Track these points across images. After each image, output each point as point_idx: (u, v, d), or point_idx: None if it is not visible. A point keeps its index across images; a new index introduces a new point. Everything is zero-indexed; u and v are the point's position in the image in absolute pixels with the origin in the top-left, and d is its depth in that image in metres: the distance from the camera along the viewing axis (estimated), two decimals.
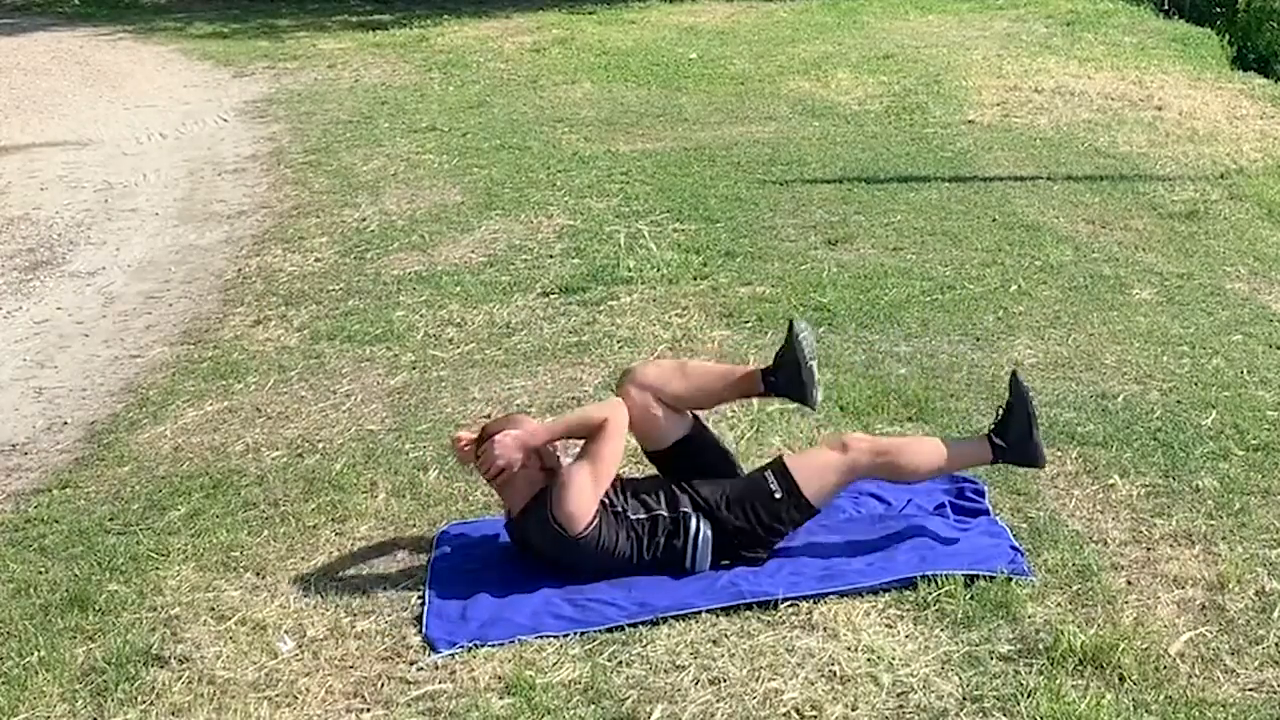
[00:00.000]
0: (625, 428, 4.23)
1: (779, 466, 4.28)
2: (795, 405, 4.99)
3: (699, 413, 4.56)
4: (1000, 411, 4.38)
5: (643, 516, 4.21)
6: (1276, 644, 3.77)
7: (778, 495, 4.22)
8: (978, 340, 5.96)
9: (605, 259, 7.23)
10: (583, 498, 4.12)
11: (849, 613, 3.98)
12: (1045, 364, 5.69)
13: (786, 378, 4.41)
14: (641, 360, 5.80)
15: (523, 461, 4.19)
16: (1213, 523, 4.40)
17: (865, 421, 5.16)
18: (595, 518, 4.14)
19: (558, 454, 4.33)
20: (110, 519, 4.83)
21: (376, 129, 11.01)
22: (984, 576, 4.06)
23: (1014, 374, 4.40)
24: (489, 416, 4.53)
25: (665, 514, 4.22)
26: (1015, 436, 4.32)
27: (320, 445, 5.31)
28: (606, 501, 4.19)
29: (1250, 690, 3.59)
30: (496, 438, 4.19)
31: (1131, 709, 3.51)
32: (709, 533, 4.20)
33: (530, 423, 4.28)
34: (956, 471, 4.58)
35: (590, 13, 16.59)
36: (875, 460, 4.27)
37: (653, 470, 4.51)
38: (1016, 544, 4.26)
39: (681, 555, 4.20)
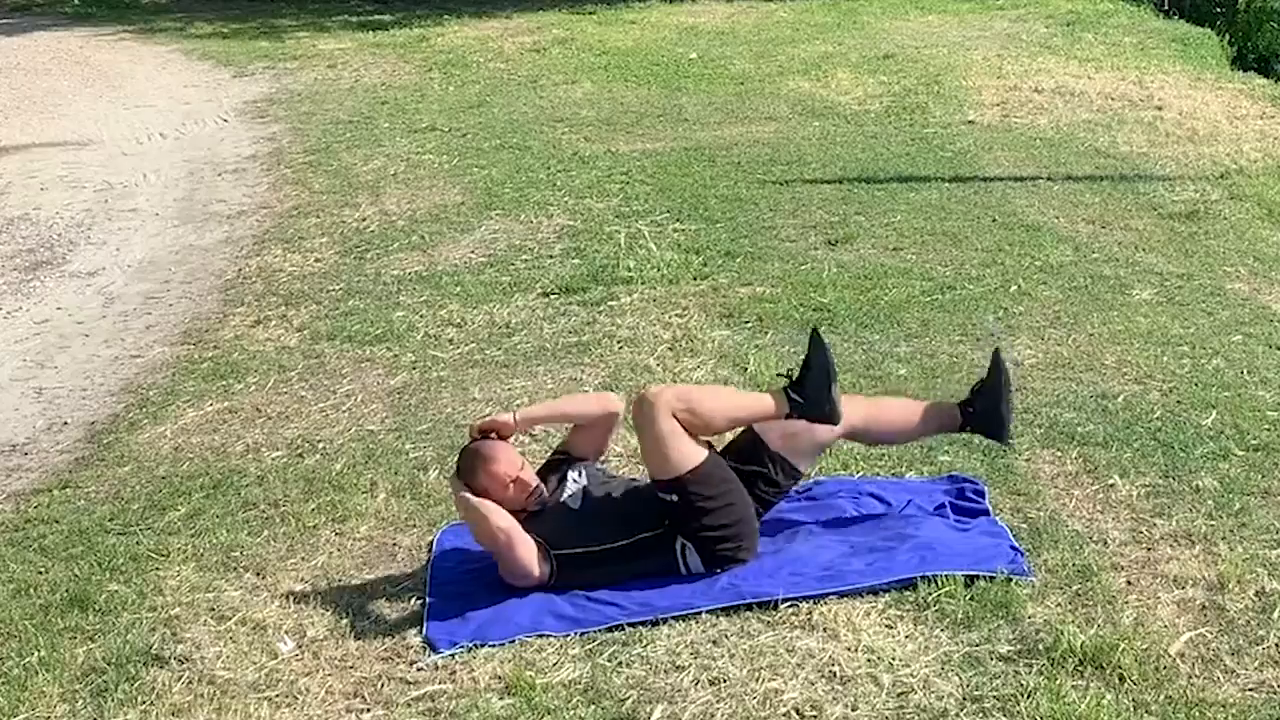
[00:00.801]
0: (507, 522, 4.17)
1: (657, 484, 4.19)
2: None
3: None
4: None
5: (625, 543, 4.20)
6: (1276, 644, 3.77)
7: (676, 499, 4.15)
8: (978, 340, 5.96)
9: (605, 259, 7.23)
10: (516, 570, 4.14)
11: (849, 613, 3.98)
12: (1045, 364, 5.69)
13: (984, 409, 4.39)
14: (631, 365, 5.81)
15: (480, 515, 4.17)
16: (1213, 523, 4.39)
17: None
18: (549, 570, 4.15)
19: (533, 487, 4.27)
20: (110, 519, 4.83)
21: (376, 129, 11.01)
22: (984, 576, 4.06)
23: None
24: (488, 415, 4.51)
25: (647, 534, 4.21)
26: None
27: (320, 445, 5.31)
28: (564, 556, 4.16)
29: (1250, 690, 3.59)
30: (459, 497, 4.20)
31: (1131, 709, 3.51)
32: (693, 546, 4.19)
33: (503, 456, 4.23)
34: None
35: (590, 13, 16.59)
36: (677, 403, 4.14)
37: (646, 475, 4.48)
38: (1016, 544, 4.25)
39: (674, 565, 4.20)
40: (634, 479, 4.44)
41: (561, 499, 4.27)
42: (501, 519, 4.13)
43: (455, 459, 4.67)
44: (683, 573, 4.19)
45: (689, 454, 4.14)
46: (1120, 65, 12.23)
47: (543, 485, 4.29)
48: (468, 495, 4.17)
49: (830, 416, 4.25)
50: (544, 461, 4.49)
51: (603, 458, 4.53)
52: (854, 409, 4.37)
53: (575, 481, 4.29)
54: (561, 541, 4.18)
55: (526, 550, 4.14)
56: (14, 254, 8.34)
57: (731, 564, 4.19)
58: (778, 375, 4.48)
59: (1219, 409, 5.19)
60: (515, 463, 4.23)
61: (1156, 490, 4.61)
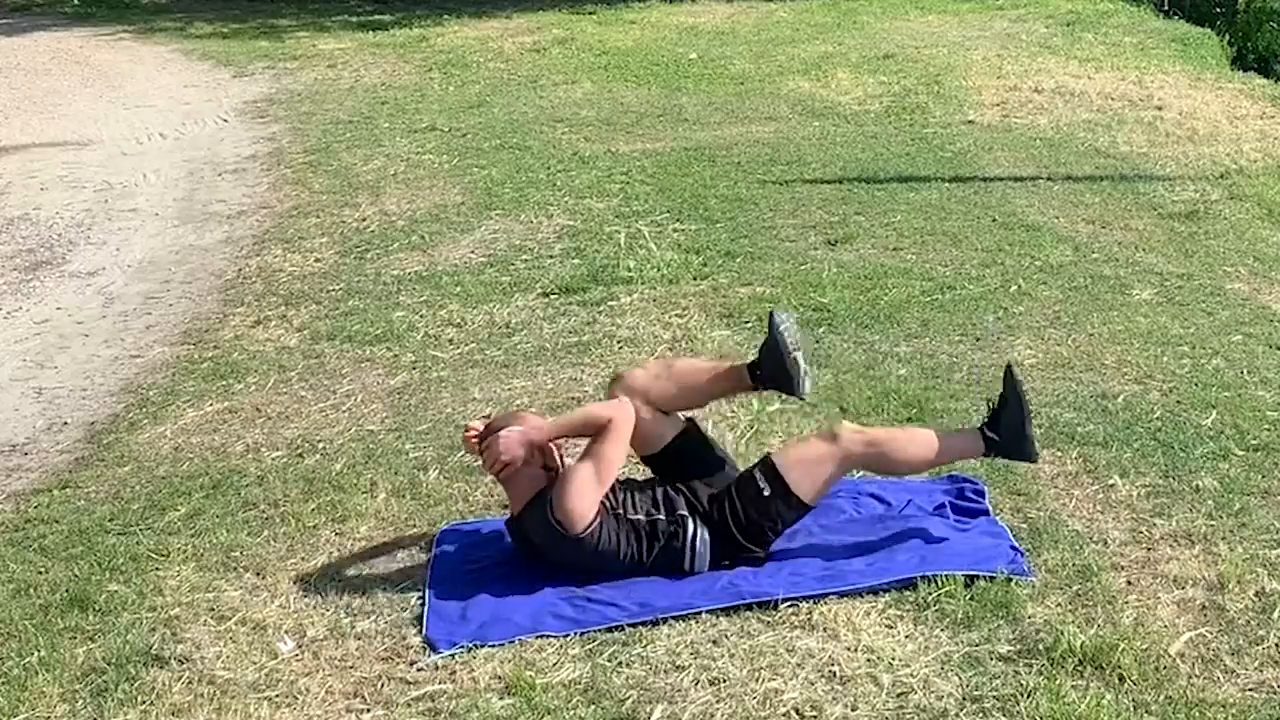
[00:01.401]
0: (630, 428, 4.22)
1: (766, 464, 4.26)
2: (798, 403, 5.00)
3: (693, 414, 4.56)
4: (993, 405, 4.36)
5: (641, 519, 4.21)
6: (1276, 644, 3.77)
7: (766, 493, 4.19)
8: (978, 340, 5.96)
9: (605, 259, 7.23)
10: (584, 497, 4.11)
11: (849, 613, 3.98)
12: (1045, 364, 5.69)
13: (771, 369, 4.39)
14: (631, 364, 5.81)
15: (525, 458, 4.19)
16: (1213, 523, 4.39)
17: (865, 423, 5.14)
18: (596, 518, 4.14)
19: (561, 453, 4.33)
20: (110, 519, 4.83)
21: (376, 129, 11.01)
22: (984, 576, 4.06)
23: (1009, 367, 4.38)
24: (489, 416, 4.52)
25: (663, 518, 4.21)
26: (1008, 430, 4.29)
27: (320, 445, 5.31)
28: (607, 504, 4.19)
29: (1250, 690, 3.59)
30: (501, 433, 4.19)
31: (1131, 709, 3.51)
32: (706, 535, 4.20)
33: (535, 419, 4.28)
34: (947, 463, 4.56)
35: (590, 13, 16.59)
36: (867, 451, 4.25)
37: (649, 472, 4.51)
38: (1016, 544, 4.25)
39: (680, 557, 4.20)
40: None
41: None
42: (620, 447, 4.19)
43: (459, 455, 4.69)
44: (685, 569, 4.19)
45: (817, 485, 4.23)
46: (1120, 65, 12.23)
47: (559, 455, 4.31)
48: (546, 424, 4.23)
49: (1029, 455, 4.30)
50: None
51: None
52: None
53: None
54: (610, 494, 4.21)
55: (600, 491, 4.17)
56: (14, 254, 8.34)
57: (741, 563, 4.20)
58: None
59: (1219, 409, 5.19)
60: (543, 426, 4.28)
61: (1156, 490, 4.61)
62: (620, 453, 4.20)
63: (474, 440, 4.30)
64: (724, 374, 4.51)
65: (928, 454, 4.34)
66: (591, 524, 4.13)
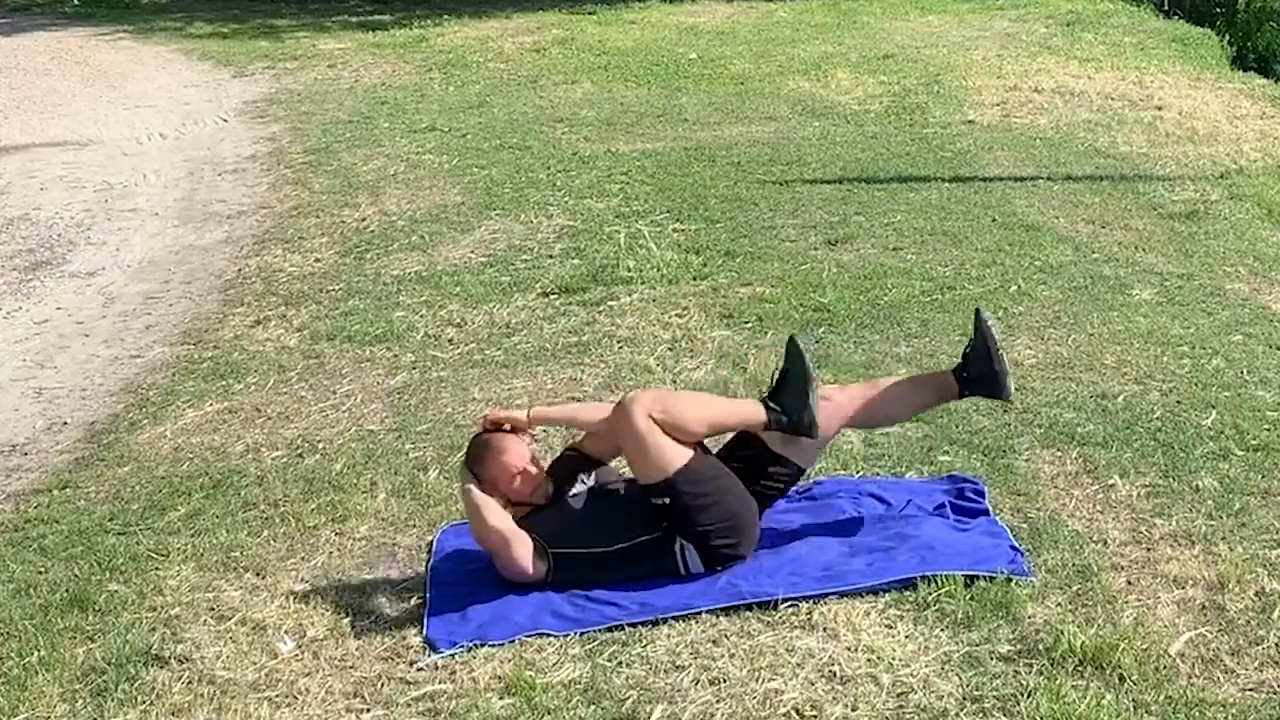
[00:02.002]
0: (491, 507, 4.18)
1: (646, 489, 4.17)
2: None
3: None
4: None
5: (624, 545, 4.20)
6: (1276, 644, 3.77)
7: (669, 502, 4.13)
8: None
9: (605, 259, 7.23)
10: (512, 568, 4.15)
11: (849, 613, 3.97)
12: (1045, 364, 5.69)
13: (979, 370, 4.36)
14: (632, 363, 5.81)
15: (476, 511, 4.18)
16: (1213, 523, 4.39)
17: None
18: (545, 568, 4.16)
19: (538, 479, 4.29)
20: (110, 519, 4.83)
21: (376, 129, 11.01)
22: (984, 576, 4.06)
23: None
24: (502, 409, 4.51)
25: (646, 536, 4.20)
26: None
27: (320, 445, 5.31)
28: (564, 555, 4.17)
29: (1250, 690, 3.59)
30: (464, 489, 4.21)
31: (1131, 709, 3.51)
32: (693, 546, 4.19)
33: (513, 447, 4.23)
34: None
35: (590, 13, 16.59)
36: (655, 408, 4.11)
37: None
38: (1016, 544, 4.25)
39: (675, 564, 4.20)
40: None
41: (566, 497, 4.27)
42: (496, 518, 4.14)
43: (459, 455, 4.67)
44: (682, 573, 4.19)
45: (672, 456, 4.12)
46: (1120, 65, 12.23)
47: (549, 480, 4.29)
48: (471, 489, 4.18)
49: (808, 430, 4.20)
50: (555, 457, 4.48)
51: (617, 460, 4.51)
52: (845, 401, 4.35)
53: (583, 482, 4.30)
54: (561, 540, 4.18)
55: (522, 548, 4.14)
56: (14, 254, 8.34)
57: (731, 561, 4.19)
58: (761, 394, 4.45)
59: (1219, 409, 5.19)
60: (524, 455, 4.23)
61: (1156, 490, 4.61)
62: (492, 530, 4.17)
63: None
64: (926, 382, 4.52)
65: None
66: (545, 573, 4.15)
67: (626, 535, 4.19)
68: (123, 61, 15.14)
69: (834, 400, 4.32)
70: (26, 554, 4.63)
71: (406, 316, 6.66)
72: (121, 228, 8.75)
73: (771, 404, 4.24)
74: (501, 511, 4.17)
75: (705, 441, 4.31)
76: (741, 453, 4.33)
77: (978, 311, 4.41)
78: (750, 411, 4.29)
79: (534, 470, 4.24)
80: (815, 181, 8.72)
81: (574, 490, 4.28)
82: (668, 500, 4.13)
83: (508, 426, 4.28)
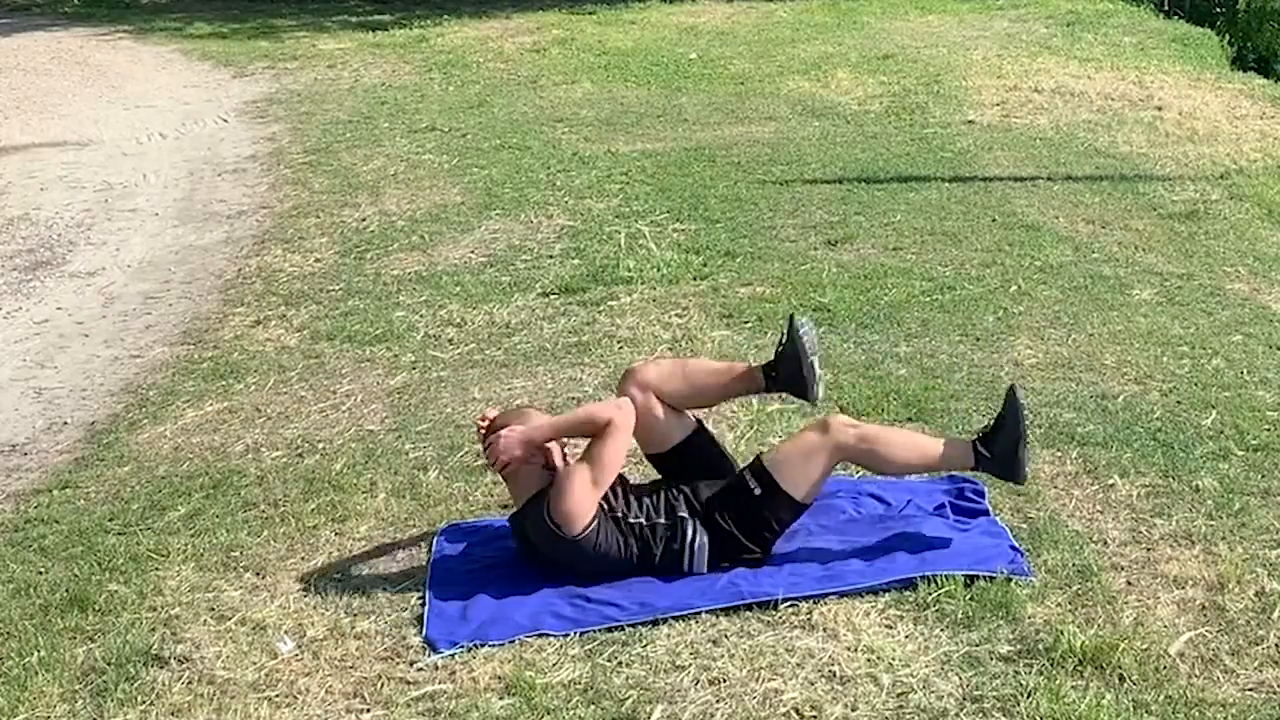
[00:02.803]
0: (630, 429, 4.22)
1: (756, 465, 4.26)
2: (796, 404, 5.00)
3: (699, 414, 4.56)
4: (991, 422, 4.34)
5: (641, 521, 4.21)
6: (1276, 644, 3.77)
7: (757, 493, 4.19)
8: (978, 340, 5.96)
9: (605, 259, 7.23)
10: (581, 499, 4.11)
11: (849, 613, 3.98)
12: (1045, 364, 5.69)
13: (787, 373, 4.40)
14: (642, 360, 5.81)
15: (523, 458, 4.19)
16: (1213, 523, 4.39)
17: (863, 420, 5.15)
18: (593, 520, 4.13)
19: (565, 452, 4.32)
20: (110, 519, 4.83)
21: (376, 129, 11.01)
22: (984, 577, 4.06)
23: (1011, 388, 4.33)
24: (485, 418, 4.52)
25: (663, 520, 4.21)
26: (1000, 449, 4.26)
27: (320, 445, 5.31)
28: (605, 506, 4.18)
29: (1250, 690, 3.59)
30: (502, 432, 4.20)
31: (1131, 709, 3.51)
32: (705, 538, 4.20)
33: (540, 418, 4.28)
34: (937, 470, 4.55)
35: (590, 13, 16.59)
36: (858, 445, 4.23)
37: (652, 471, 4.51)
38: (1016, 544, 4.25)
39: (679, 559, 4.20)
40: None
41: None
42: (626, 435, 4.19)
43: (459, 455, 4.68)
44: (684, 570, 4.19)
45: (810, 484, 4.22)
46: (1120, 65, 12.23)
47: (561, 454, 4.31)
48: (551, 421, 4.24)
49: (1017, 476, 4.29)
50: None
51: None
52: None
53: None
54: (608, 497, 4.20)
55: (597, 494, 4.16)
56: (14, 254, 8.34)
57: (733, 568, 4.19)
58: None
59: (1219, 409, 5.19)
60: (543, 425, 4.27)
61: (1156, 490, 4.61)
62: (619, 455, 4.19)
63: (484, 429, 4.30)
64: (739, 375, 4.51)
65: (916, 458, 4.34)
66: (589, 526, 4.12)
67: (645, 512, 4.21)
68: (123, 61, 15.14)
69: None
70: (26, 554, 4.63)
71: (406, 316, 6.66)
72: (121, 228, 8.75)
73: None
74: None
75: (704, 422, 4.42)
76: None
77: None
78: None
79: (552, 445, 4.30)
80: (815, 181, 8.72)
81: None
82: (759, 490, 4.18)
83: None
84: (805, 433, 4.32)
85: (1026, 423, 4.28)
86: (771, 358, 4.49)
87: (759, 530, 4.21)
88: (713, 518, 4.21)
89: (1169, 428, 5.05)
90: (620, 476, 4.30)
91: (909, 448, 4.33)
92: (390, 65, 13.94)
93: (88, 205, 9.32)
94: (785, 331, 4.43)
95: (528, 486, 4.23)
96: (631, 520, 4.19)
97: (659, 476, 4.46)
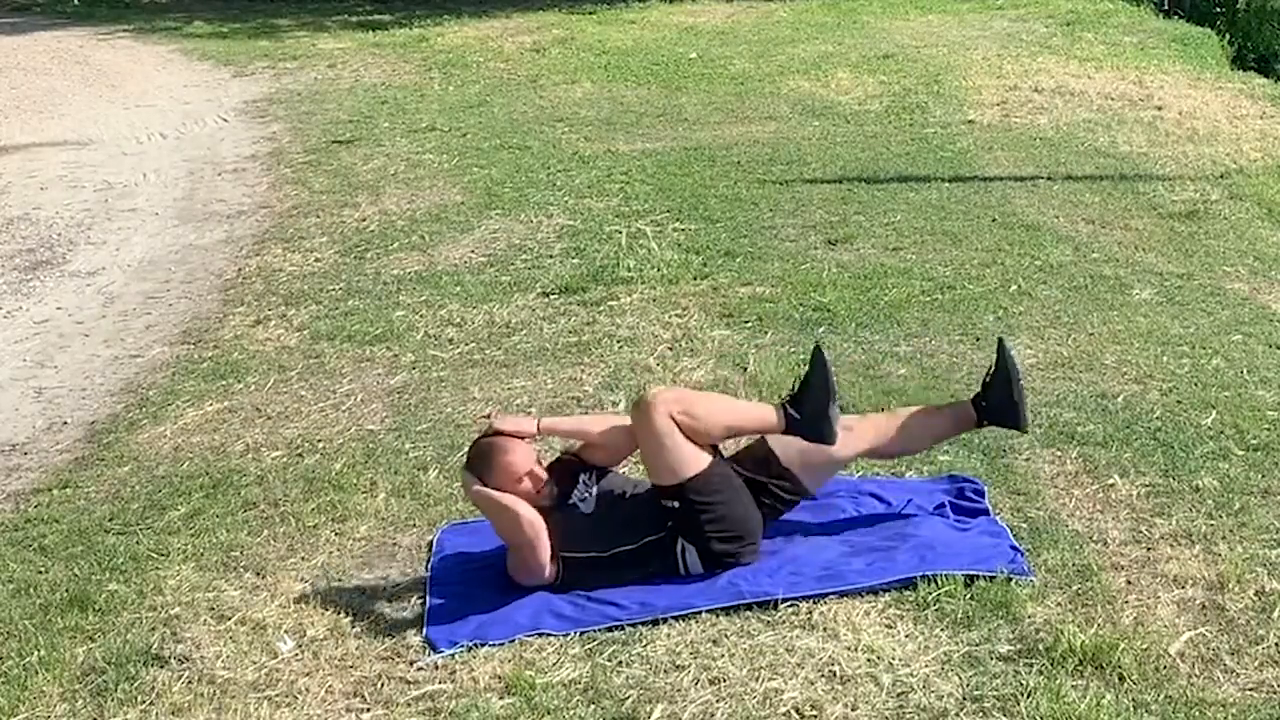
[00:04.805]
0: (535, 526, 4.15)
1: (653, 491, 4.21)
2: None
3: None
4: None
5: (631, 547, 4.20)
6: (1276, 644, 3.77)
7: (678, 505, 4.15)
8: (978, 340, 5.96)
9: (605, 259, 7.23)
10: (532, 567, 4.15)
11: (849, 613, 3.98)
12: (1045, 364, 5.69)
13: (999, 400, 4.38)
14: (634, 363, 5.81)
15: (507, 508, 4.16)
16: (1213, 523, 4.39)
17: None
18: (555, 570, 4.16)
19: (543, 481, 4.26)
20: (110, 519, 4.83)
21: (376, 129, 11.01)
22: (984, 576, 4.06)
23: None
24: (488, 416, 4.52)
25: (652, 537, 4.20)
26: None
27: (320, 445, 5.31)
28: (571, 559, 4.17)
29: (1250, 690, 3.59)
30: (477, 491, 4.17)
31: (1131, 709, 3.51)
32: (694, 549, 4.19)
33: (519, 450, 4.20)
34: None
35: (590, 13, 16.59)
36: (676, 408, 4.12)
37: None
38: (1016, 544, 4.25)
39: (676, 565, 4.20)
40: (641, 480, 4.41)
41: (571, 501, 4.25)
42: (530, 513, 4.11)
43: (459, 455, 4.67)
44: (682, 573, 4.19)
45: (689, 460, 4.13)
46: (1120, 65, 12.23)
47: (552, 482, 4.26)
48: (487, 490, 4.13)
49: (825, 437, 4.23)
50: (553, 460, 4.47)
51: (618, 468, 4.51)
52: (865, 430, 4.36)
53: (586, 485, 4.27)
54: (569, 544, 4.17)
55: (545, 548, 4.13)
56: (14, 254, 8.34)
57: (733, 566, 4.19)
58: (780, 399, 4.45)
59: (1219, 409, 5.19)
60: (530, 456, 4.21)
61: (1156, 490, 4.61)
62: (526, 538, 4.14)
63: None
64: (944, 413, 4.50)
65: (735, 419, 4.30)
66: (554, 573, 4.16)
67: (633, 536, 4.19)
68: (123, 61, 15.13)
69: (854, 429, 4.34)
70: (26, 554, 4.63)
71: (406, 316, 6.66)
72: (121, 227, 8.75)
73: (791, 409, 4.25)
74: (530, 507, 4.13)
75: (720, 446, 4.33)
76: (750, 463, 4.33)
77: (1000, 341, 4.41)
78: (768, 415, 4.31)
79: (540, 472, 4.22)
80: (815, 181, 8.72)
81: (578, 494, 4.26)
82: (676, 504, 4.14)
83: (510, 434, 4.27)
84: (638, 429, 4.17)
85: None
86: (979, 387, 4.46)
87: (712, 530, 4.16)
88: (681, 537, 4.20)
89: (1169, 427, 5.05)
90: (615, 491, 4.30)
91: (727, 410, 4.33)
92: (390, 65, 13.94)
93: (88, 205, 9.32)
94: (995, 356, 4.40)
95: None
96: (620, 550, 4.18)
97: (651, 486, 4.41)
